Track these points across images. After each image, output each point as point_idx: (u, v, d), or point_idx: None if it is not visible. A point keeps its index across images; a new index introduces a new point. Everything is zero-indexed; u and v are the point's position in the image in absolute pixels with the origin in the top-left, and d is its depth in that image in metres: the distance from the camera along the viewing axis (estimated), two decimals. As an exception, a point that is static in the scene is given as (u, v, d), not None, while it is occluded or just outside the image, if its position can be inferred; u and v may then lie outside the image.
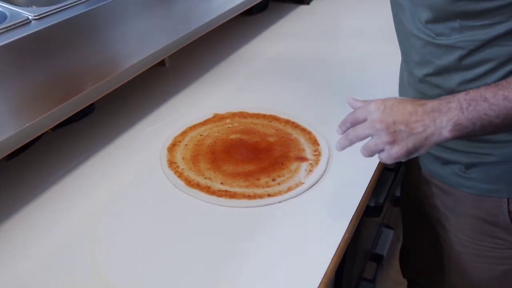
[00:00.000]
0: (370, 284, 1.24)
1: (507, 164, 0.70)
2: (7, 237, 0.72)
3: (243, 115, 0.98)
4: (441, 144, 0.72)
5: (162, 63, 1.21)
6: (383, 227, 1.40)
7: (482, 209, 0.76)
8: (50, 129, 0.90)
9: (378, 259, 1.31)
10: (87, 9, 0.75)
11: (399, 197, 1.45)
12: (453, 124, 0.57)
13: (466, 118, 0.57)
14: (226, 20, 1.15)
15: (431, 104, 0.59)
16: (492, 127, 0.57)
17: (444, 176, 0.81)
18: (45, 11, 0.71)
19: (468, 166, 0.74)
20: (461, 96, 0.58)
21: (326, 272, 0.64)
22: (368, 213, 0.93)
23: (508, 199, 0.73)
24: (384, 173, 1.01)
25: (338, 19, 1.54)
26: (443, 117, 0.57)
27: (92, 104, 0.99)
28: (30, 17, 0.69)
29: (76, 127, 0.97)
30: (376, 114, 0.60)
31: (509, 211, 0.74)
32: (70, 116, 0.79)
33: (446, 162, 0.79)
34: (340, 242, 0.69)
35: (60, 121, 0.77)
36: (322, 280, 0.63)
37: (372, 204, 0.93)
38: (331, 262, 0.66)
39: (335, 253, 0.67)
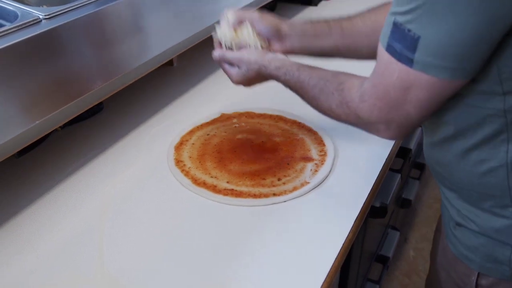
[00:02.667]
0: (375, 285, 1.24)
1: (485, 238, 0.66)
2: (17, 232, 0.73)
3: (249, 115, 0.99)
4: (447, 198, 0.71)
5: (170, 63, 1.22)
6: (389, 229, 1.40)
7: (456, 270, 0.73)
8: (60, 127, 0.92)
9: (383, 260, 1.31)
10: (96, 9, 0.76)
11: (406, 199, 1.46)
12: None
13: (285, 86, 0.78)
14: (234, 20, 1.15)
15: (265, 77, 0.80)
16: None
17: (443, 222, 0.78)
18: (55, 10, 0.72)
19: (457, 224, 0.70)
20: (289, 73, 0.76)
21: (329, 271, 0.65)
22: (374, 214, 0.93)
23: (478, 273, 0.68)
24: (389, 174, 1.01)
25: (346, 20, 1.54)
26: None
27: (100, 103, 1.00)
28: (40, 17, 0.70)
29: (85, 125, 0.98)
30: (236, 83, 0.83)
31: (476, 285, 0.69)
32: (79, 115, 0.80)
33: (445, 214, 0.75)
34: (344, 242, 0.70)
35: (69, 119, 0.78)
36: (325, 279, 0.64)
37: (378, 205, 0.93)
38: (334, 261, 0.66)
39: (339, 253, 0.68)
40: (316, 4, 1.60)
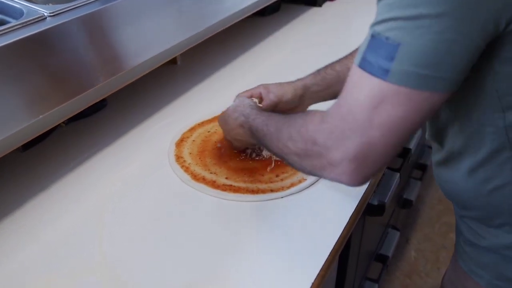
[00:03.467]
0: (374, 284, 1.24)
1: (495, 255, 0.65)
2: (21, 223, 0.75)
3: (250, 113, 1.00)
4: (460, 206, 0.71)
5: (174, 61, 1.23)
6: (390, 228, 1.41)
7: (465, 286, 0.73)
8: (64, 122, 0.94)
9: (383, 259, 1.31)
10: (100, 7, 0.77)
11: (407, 200, 1.46)
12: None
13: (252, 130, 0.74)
14: (239, 20, 1.17)
15: (238, 117, 0.78)
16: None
17: (455, 236, 0.78)
18: (60, 8, 0.74)
19: (467, 239, 0.70)
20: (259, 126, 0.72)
21: (323, 266, 0.66)
22: (371, 212, 0.94)
23: None
24: (388, 173, 1.02)
25: (350, 21, 1.55)
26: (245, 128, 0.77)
27: (104, 100, 1.02)
28: (45, 14, 0.72)
29: (88, 121, 1.00)
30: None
31: None
32: (83, 111, 0.81)
33: (458, 229, 0.76)
34: (339, 237, 0.71)
35: (73, 115, 0.79)
36: (319, 273, 0.65)
37: (375, 203, 0.94)
38: (328, 256, 0.67)
39: (333, 248, 0.69)
40: (320, 5, 1.62)
